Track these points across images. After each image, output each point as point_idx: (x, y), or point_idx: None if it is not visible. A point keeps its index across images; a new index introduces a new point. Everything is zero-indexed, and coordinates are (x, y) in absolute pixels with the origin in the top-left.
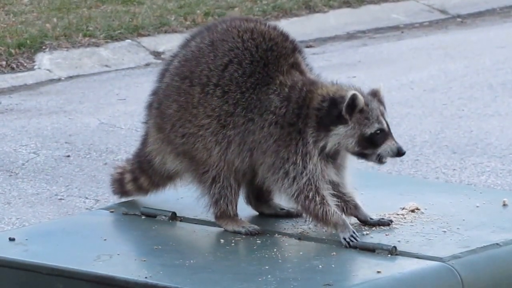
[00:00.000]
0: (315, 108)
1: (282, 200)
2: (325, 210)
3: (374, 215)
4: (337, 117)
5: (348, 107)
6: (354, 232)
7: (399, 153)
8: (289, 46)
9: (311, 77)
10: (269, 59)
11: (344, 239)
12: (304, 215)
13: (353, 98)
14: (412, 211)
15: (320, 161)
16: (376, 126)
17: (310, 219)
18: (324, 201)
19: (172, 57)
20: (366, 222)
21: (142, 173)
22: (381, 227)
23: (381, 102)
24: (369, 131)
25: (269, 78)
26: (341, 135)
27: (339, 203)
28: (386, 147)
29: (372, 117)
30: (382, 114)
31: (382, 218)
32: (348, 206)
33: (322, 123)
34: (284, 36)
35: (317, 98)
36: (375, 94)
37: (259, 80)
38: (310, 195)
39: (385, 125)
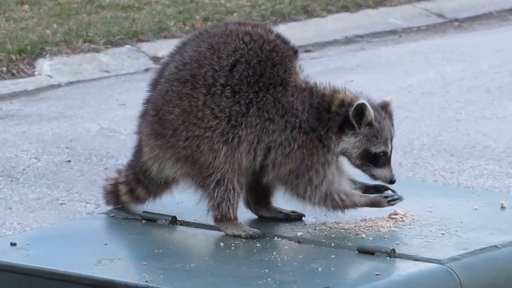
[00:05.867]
0: (335, 113)
1: (294, 203)
2: (352, 201)
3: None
4: (349, 123)
5: (356, 115)
6: (384, 197)
7: (391, 181)
8: (289, 48)
9: (305, 79)
10: (275, 59)
11: (385, 202)
12: (332, 211)
13: (360, 107)
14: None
15: (336, 170)
16: (382, 148)
17: (340, 212)
18: (347, 193)
19: (163, 66)
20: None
21: (138, 184)
22: (400, 217)
23: (390, 116)
24: (374, 149)
25: (280, 78)
26: (350, 143)
27: None
28: (381, 172)
29: (382, 137)
30: (391, 138)
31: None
32: None
33: (340, 128)
34: (282, 39)
35: (335, 103)
36: (385, 107)
37: (271, 80)
38: (336, 197)
39: (389, 151)
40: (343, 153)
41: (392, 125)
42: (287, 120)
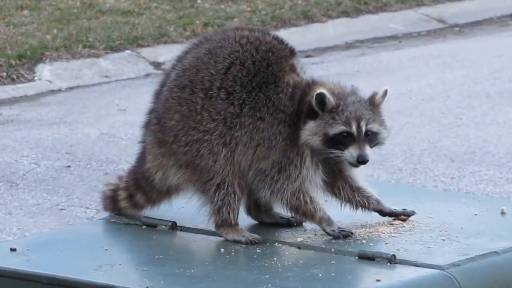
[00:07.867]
0: (307, 103)
1: (273, 202)
2: (313, 207)
3: (396, 207)
4: (312, 112)
5: (318, 103)
6: (339, 227)
7: (358, 160)
8: (286, 48)
9: (304, 77)
10: (271, 59)
11: (333, 231)
12: (292, 212)
13: (319, 96)
14: (403, 220)
15: (312, 165)
16: (342, 128)
17: (298, 216)
18: (312, 199)
19: (165, 75)
20: (392, 214)
21: (138, 190)
22: (400, 223)
23: (374, 105)
24: (332, 131)
25: (274, 77)
26: (309, 131)
27: (361, 200)
28: (347, 152)
29: (340, 118)
30: (358, 118)
31: (405, 209)
32: (370, 201)
33: (304, 118)
34: (279, 40)
35: (311, 94)
36: (372, 97)
37: (264, 79)
38: (301, 197)
39: (354, 129)
40: (306, 142)
41: (372, 110)
42: (275, 116)
